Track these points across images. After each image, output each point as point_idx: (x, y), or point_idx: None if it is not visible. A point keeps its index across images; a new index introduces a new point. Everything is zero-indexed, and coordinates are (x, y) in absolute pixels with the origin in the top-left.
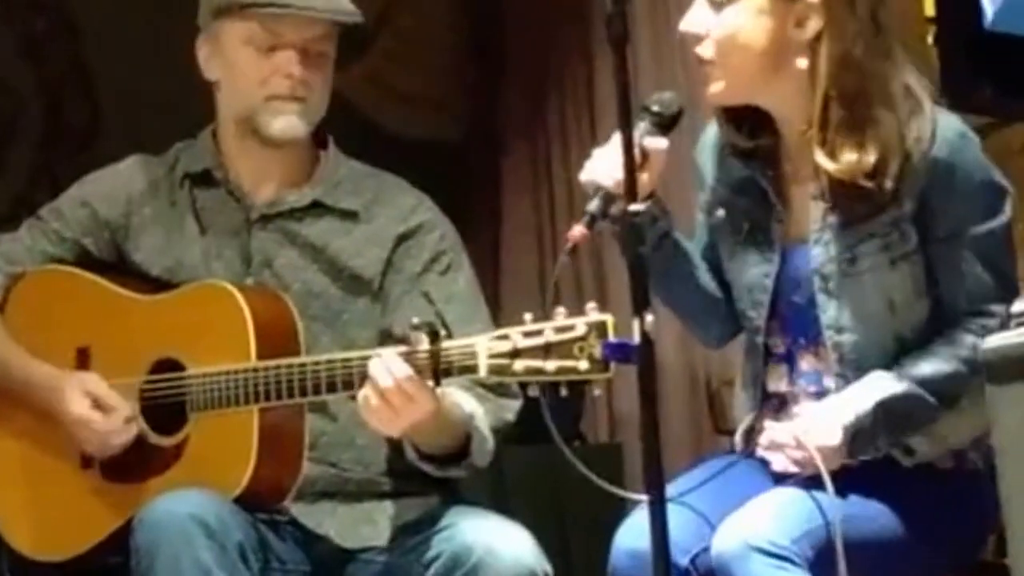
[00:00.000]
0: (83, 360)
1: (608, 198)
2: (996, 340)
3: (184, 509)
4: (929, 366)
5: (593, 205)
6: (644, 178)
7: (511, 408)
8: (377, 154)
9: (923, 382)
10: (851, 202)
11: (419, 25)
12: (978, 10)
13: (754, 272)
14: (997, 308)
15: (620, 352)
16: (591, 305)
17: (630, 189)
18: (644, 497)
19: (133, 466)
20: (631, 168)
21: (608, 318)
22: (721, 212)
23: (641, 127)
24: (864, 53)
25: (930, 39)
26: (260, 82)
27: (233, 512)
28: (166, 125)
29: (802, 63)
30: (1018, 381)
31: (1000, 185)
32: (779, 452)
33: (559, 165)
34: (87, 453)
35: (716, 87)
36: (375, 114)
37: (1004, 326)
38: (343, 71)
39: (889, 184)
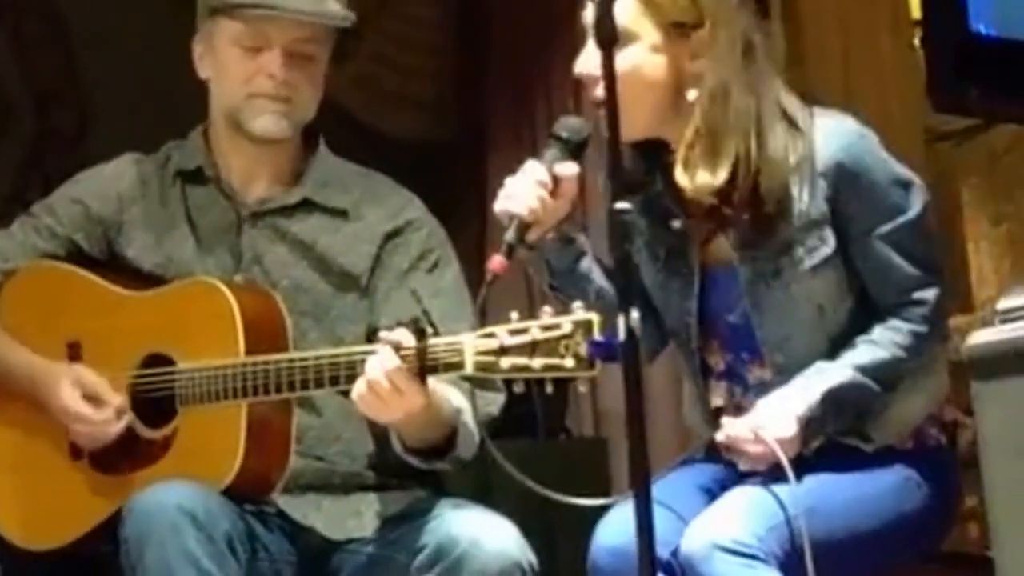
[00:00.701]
0: (74, 354)
1: (523, 226)
2: (980, 337)
3: (173, 500)
4: (868, 354)
5: (509, 234)
6: (558, 203)
7: (496, 402)
8: (365, 153)
9: (863, 369)
10: (757, 218)
11: (406, 27)
12: (964, 12)
13: (677, 297)
14: (924, 295)
15: (605, 350)
16: (577, 304)
17: (615, 191)
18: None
19: (122, 457)
20: (616, 169)
21: (594, 317)
22: (638, 241)
23: (550, 153)
24: (735, 86)
25: (916, 41)
26: (245, 80)
27: (221, 503)
28: (155, 126)
29: (693, 94)
30: (1002, 376)
31: (906, 178)
32: (739, 449)
33: None
34: (76, 443)
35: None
36: (363, 114)
37: (937, 311)
38: (332, 72)
39: (736, 202)
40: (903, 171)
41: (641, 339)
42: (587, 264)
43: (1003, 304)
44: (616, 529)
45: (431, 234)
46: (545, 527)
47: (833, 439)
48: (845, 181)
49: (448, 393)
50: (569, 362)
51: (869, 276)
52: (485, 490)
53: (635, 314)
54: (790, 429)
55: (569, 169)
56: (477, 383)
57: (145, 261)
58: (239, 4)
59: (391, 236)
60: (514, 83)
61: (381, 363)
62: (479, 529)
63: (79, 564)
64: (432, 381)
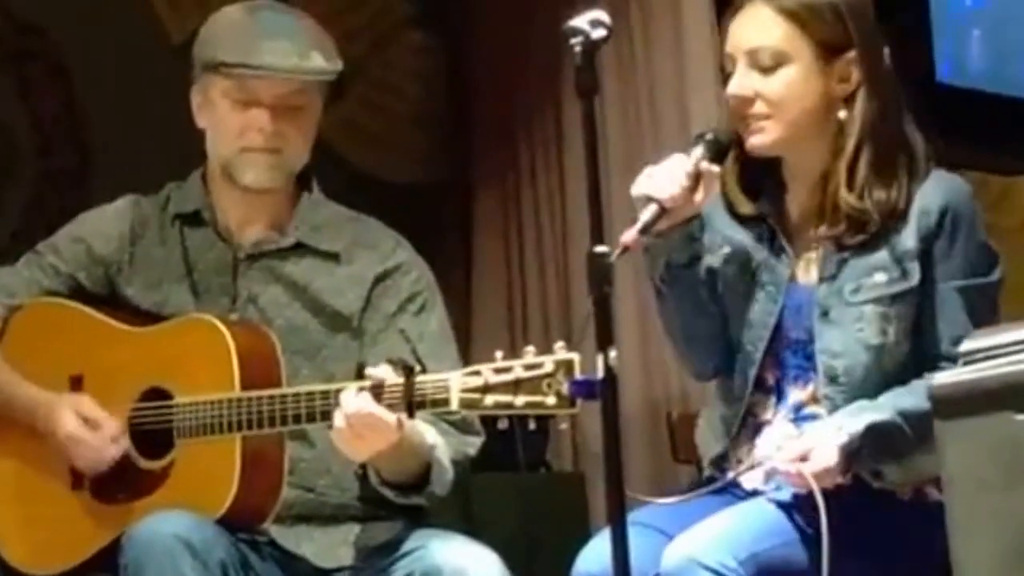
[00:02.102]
0: (76, 388)
1: (660, 210)
2: (943, 377)
3: (170, 529)
4: (910, 401)
5: (646, 214)
6: (694, 199)
7: (473, 444)
8: (353, 195)
9: (904, 414)
10: (859, 237)
11: (394, 74)
12: (930, 63)
13: (758, 309)
14: None
15: (585, 389)
16: (559, 344)
17: (597, 232)
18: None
19: (121, 488)
20: (596, 211)
21: (575, 357)
22: (727, 250)
23: (696, 151)
24: (891, 105)
25: None
26: (237, 134)
27: (216, 532)
28: (156, 167)
29: (843, 114)
30: (962, 417)
31: (995, 250)
32: (778, 473)
33: (529, 209)
34: (78, 472)
35: (766, 139)
36: (352, 157)
37: None
38: (323, 115)
39: (897, 220)
40: (992, 243)
41: (709, 354)
42: (701, 267)
43: (966, 346)
44: (596, 555)
45: (419, 278)
46: (527, 558)
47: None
48: (946, 224)
49: (422, 429)
50: (551, 400)
51: (930, 321)
52: (469, 521)
53: (613, 353)
54: (833, 458)
55: (712, 168)
56: (457, 426)
57: (144, 299)
58: (224, 63)
59: (380, 279)
60: (499, 128)
61: (354, 403)
62: (463, 559)
63: None
64: (405, 421)
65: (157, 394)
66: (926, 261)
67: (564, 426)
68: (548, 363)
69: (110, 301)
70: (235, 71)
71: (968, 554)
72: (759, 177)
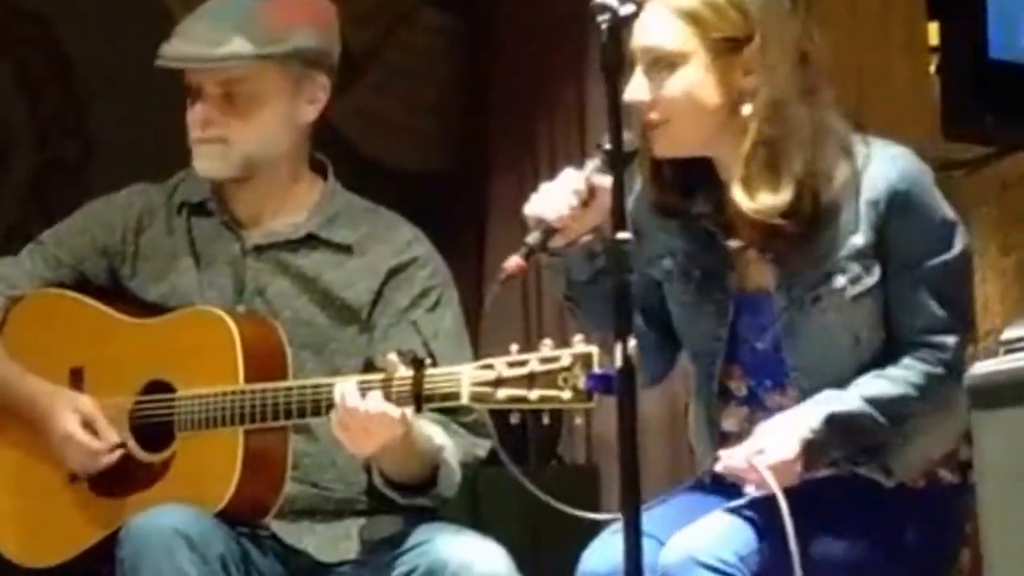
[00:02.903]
0: (77, 380)
1: (548, 231)
2: (982, 367)
3: (168, 522)
4: (879, 387)
5: (532, 237)
6: (589, 214)
7: (483, 446)
8: (365, 183)
9: (872, 401)
10: (804, 242)
11: (409, 59)
12: (983, 39)
13: (708, 322)
14: (948, 340)
15: (603, 383)
16: (578, 337)
17: (619, 220)
18: (618, 516)
19: (120, 480)
20: (620, 198)
21: (594, 350)
22: (668, 262)
23: (592, 164)
24: (791, 98)
25: (932, 68)
26: (189, 127)
27: (215, 526)
28: (157, 157)
29: (747, 109)
30: (1002, 407)
31: (952, 220)
32: (739, 477)
33: None
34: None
35: (667, 145)
36: (364, 144)
37: (957, 357)
38: (333, 102)
39: (832, 214)
40: (950, 212)
41: (649, 362)
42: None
43: (1008, 334)
44: (601, 556)
45: (435, 272)
46: (535, 552)
47: (852, 471)
48: (897, 209)
49: (430, 430)
50: (567, 394)
51: (896, 309)
52: (476, 515)
53: (632, 343)
54: (791, 451)
55: (605, 181)
56: (469, 427)
57: (149, 291)
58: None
59: (394, 272)
60: (515, 114)
61: (346, 395)
62: (469, 552)
63: None
64: (411, 416)
65: (159, 387)
66: (885, 251)
67: (579, 421)
68: (565, 356)
69: (114, 292)
70: (156, 62)
71: (1001, 547)
72: (694, 173)
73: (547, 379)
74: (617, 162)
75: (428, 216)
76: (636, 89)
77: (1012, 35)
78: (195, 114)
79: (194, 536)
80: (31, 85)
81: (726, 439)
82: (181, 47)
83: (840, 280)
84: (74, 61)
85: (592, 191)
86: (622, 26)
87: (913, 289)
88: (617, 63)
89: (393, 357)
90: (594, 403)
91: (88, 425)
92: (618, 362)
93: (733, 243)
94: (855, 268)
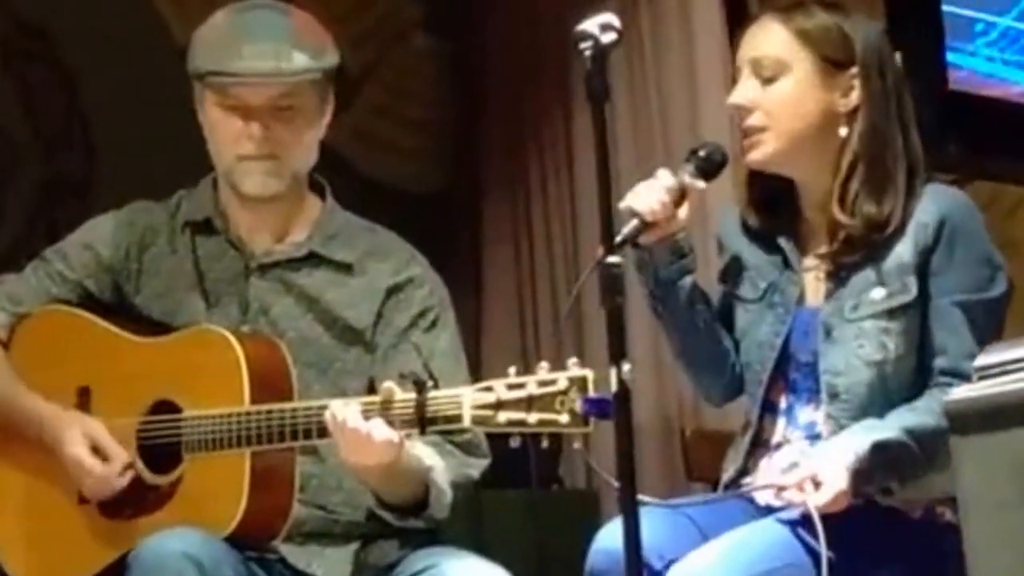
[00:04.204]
0: (84, 399)
1: (640, 225)
2: (960, 392)
3: (178, 547)
4: (915, 419)
5: (626, 229)
6: (679, 214)
7: (477, 466)
8: (362, 202)
9: (911, 432)
10: (854, 252)
11: (404, 80)
12: (943, 70)
13: (765, 330)
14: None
15: (598, 407)
16: (572, 360)
17: (610, 244)
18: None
19: (129, 503)
20: (608, 221)
21: (589, 374)
22: (740, 274)
23: (687, 168)
24: (890, 121)
25: None
26: (231, 143)
27: (224, 550)
28: (162, 173)
29: (843, 131)
30: (980, 432)
31: (998, 262)
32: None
33: (539, 217)
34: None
35: (763, 152)
36: (361, 164)
37: None
38: (331, 122)
39: (894, 235)
40: (996, 254)
41: (729, 379)
42: (693, 287)
43: (980, 361)
44: (613, 534)
45: (432, 292)
46: (539, 574)
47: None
48: (945, 237)
49: (420, 451)
50: (564, 418)
51: (934, 334)
52: (480, 539)
53: (627, 366)
54: (844, 481)
55: (698, 184)
56: (462, 447)
57: (153, 309)
58: (203, 73)
59: (393, 291)
60: (507, 133)
61: (338, 414)
62: None
63: None
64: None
65: (166, 407)
66: (924, 274)
67: (577, 445)
68: (562, 380)
69: (119, 309)
70: (215, 80)
71: (984, 572)
72: (778, 195)
73: (545, 402)
74: (607, 184)
75: (424, 235)
76: (740, 93)
77: (973, 67)
78: (251, 130)
79: (204, 560)
80: (34, 100)
81: (764, 450)
82: (253, 63)
83: (880, 291)
84: (77, 76)
85: (684, 192)
86: (605, 53)
87: (952, 317)
88: (602, 90)
89: (391, 384)
90: (591, 427)
91: (97, 449)
92: (613, 386)
93: (806, 259)
94: (896, 283)
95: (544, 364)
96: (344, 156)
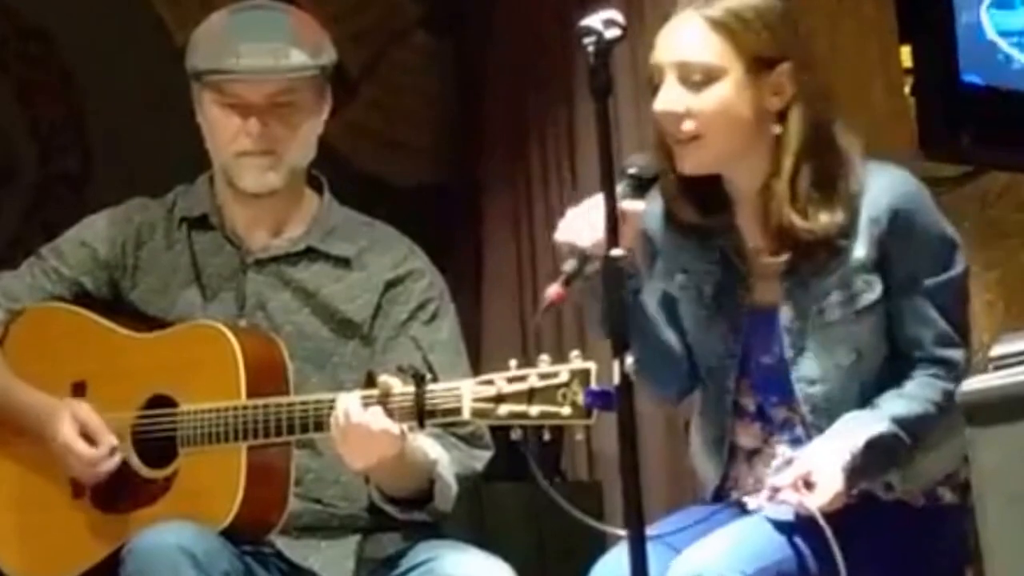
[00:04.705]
0: (79, 395)
1: (584, 258)
2: (976, 383)
3: (172, 540)
4: (903, 407)
5: (569, 265)
6: (620, 238)
7: (480, 458)
8: (361, 199)
9: (899, 421)
10: (813, 258)
11: (403, 76)
12: (954, 62)
13: (721, 339)
14: (956, 355)
15: (601, 400)
16: (575, 353)
17: (612, 236)
18: (623, 532)
19: (124, 497)
20: (612, 216)
21: (591, 366)
22: (682, 278)
23: (619, 189)
24: (826, 115)
25: (907, 89)
26: (229, 140)
27: (220, 544)
28: (158, 171)
29: (777, 129)
30: (997, 423)
31: (953, 239)
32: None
33: (540, 211)
34: (78, 481)
35: (699, 160)
36: (359, 160)
37: (964, 372)
38: (328, 119)
39: (852, 239)
40: (950, 231)
41: (677, 377)
42: (639, 305)
43: (996, 351)
44: (609, 571)
45: (431, 284)
46: (541, 569)
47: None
48: (898, 227)
49: (424, 443)
50: (566, 410)
51: (903, 325)
52: (481, 532)
53: (630, 360)
54: (840, 481)
55: (635, 206)
56: (466, 439)
57: (150, 304)
58: (201, 72)
59: (392, 285)
60: (509, 129)
61: (347, 411)
62: (476, 570)
63: None
64: (407, 430)
65: (161, 402)
66: (886, 267)
67: (580, 437)
68: (564, 372)
69: (115, 306)
70: (213, 78)
71: (1002, 565)
72: (705, 191)
73: (546, 395)
74: (611, 180)
75: (424, 230)
76: (670, 100)
77: (984, 58)
78: (249, 127)
79: (199, 554)
80: (32, 100)
81: (742, 456)
82: (251, 60)
83: (844, 295)
84: (75, 76)
85: (622, 216)
86: (608, 49)
87: (919, 306)
88: (605, 85)
89: (389, 378)
90: (593, 419)
91: (86, 432)
92: (616, 379)
93: (757, 259)
94: (858, 283)
95: (545, 357)
96: (344, 152)
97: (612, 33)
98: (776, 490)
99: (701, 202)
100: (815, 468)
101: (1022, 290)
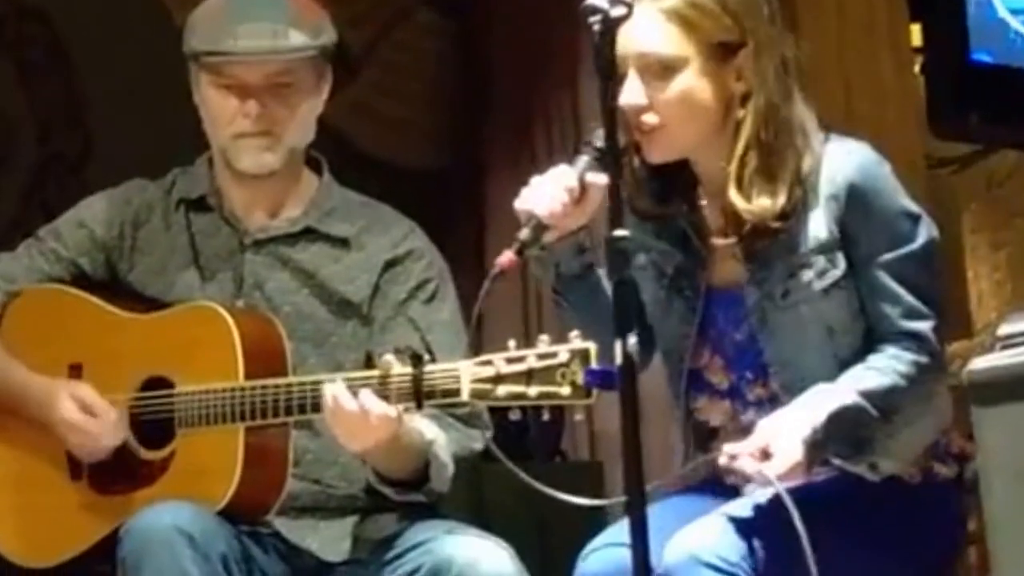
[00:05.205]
0: (76, 376)
1: (540, 227)
2: (981, 363)
3: (169, 520)
4: (871, 380)
5: (524, 233)
6: (580, 211)
7: (478, 438)
8: (363, 180)
9: (865, 394)
10: (762, 239)
11: (406, 57)
12: (964, 41)
13: (677, 318)
14: (921, 326)
15: (602, 379)
16: (574, 333)
17: (615, 217)
18: (622, 499)
19: (121, 478)
20: (614, 196)
21: (591, 346)
22: (643, 258)
23: (583, 161)
24: (779, 98)
25: (916, 68)
26: (227, 122)
27: (217, 524)
28: (157, 152)
29: (740, 112)
30: (1002, 402)
31: (914, 211)
32: (742, 475)
33: None
34: (76, 462)
35: (664, 151)
36: (362, 141)
37: (935, 344)
38: (331, 100)
39: (794, 221)
40: (912, 204)
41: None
42: (596, 277)
43: (1003, 330)
44: (600, 556)
45: (430, 264)
46: (540, 549)
47: (841, 468)
48: (856, 203)
49: (420, 424)
50: (565, 390)
51: (869, 301)
52: (480, 512)
53: (632, 339)
54: (798, 452)
55: (598, 179)
56: (463, 419)
57: (147, 286)
58: (198, 53)
59: (391, 265)
60: (513, 110)
61: (336, 394)
62: (475, 551)
63: None
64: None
65: (158, 383)
66: (848, 244)
67: (580, 417)
68: (563, 352)
69: (112, 287)
70: (211, 59)
71: (1007, 543)
72: (670, 174)
73: (546, 375)
74: (613, 160)
75: (426, 212)
76: (632, 93)
77: (994, 37)
78: (248, 109)
79: (196, 535)
80: (32, 81)
81: (712, 435)
82: (250, 42)
83: (808, 274)
84: (74, 57)
85: (584, 188)
86: (614, 27)
87: (883, 281)
88: (611, 64)
89: (389, 357)
90: (593, 399)
91: (86, 409)
92: (618, 359)
93: (712, 240)
94: (821, 261)
95: (544, 337)
96: (345, 133)
97: (618, 12)
98: (733, 457)
99: (663, 187)
100: (773, 437)
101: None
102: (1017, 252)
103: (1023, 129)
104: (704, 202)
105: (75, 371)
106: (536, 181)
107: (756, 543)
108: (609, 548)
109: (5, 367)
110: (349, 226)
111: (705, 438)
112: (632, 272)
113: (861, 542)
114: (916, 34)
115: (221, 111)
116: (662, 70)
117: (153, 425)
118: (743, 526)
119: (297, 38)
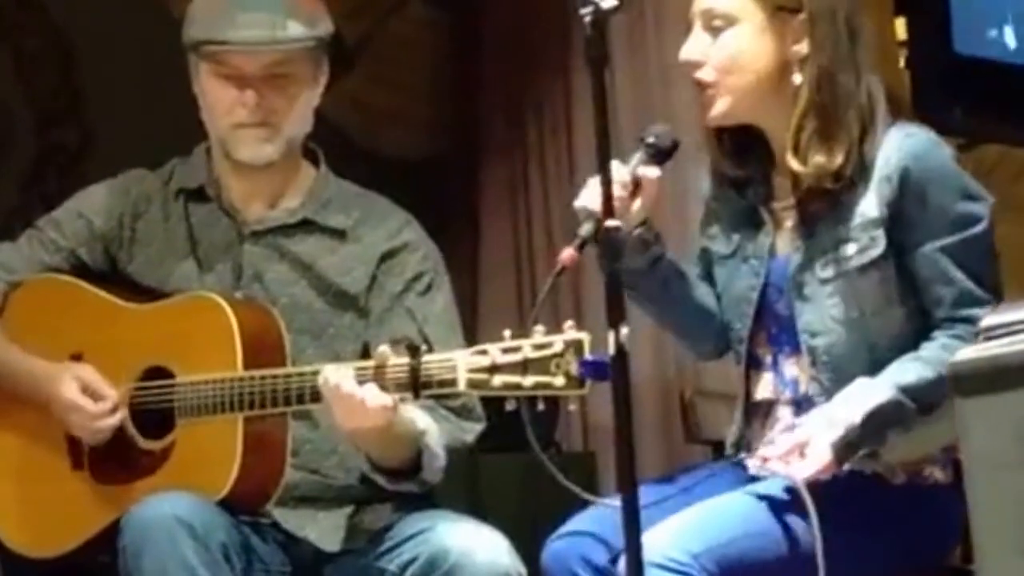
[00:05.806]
0: None
1: (598, 225)
2: (965, 353)
3: (170, 510)
4: (914, 373)
5: (584, 229)
6: (636, 205)
7: (471, 430)
8: (358, 171)
9: (906, 390)
10: (823, 209)
11: (400, 49)
12: (948, 34)
13: (741, 284)
14: (978, 312)
15: (596, 370)
16: (569, 323)
17: (607, 207)
18: (617, 503)
19: (122, 468)
20: (607, 188)
21: (585, 336)
22: (715, 228)
23: (636, 157)
24: (839, 67)
25: (902, 62)
26: (226, 112)
27: (217, 514)
28: (156, 142)
29: (798, 78)
30: (986, 394)
31: (976, 192)
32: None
33: (537, 184)
34: (77, 452)
35: (718, 109)
36: (357, 132)
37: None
38: (326, 91)
39: (852, 185)
40: (974, 185)
41: (714, 333)
42: (666, 271)
43: (987, 321)
44: (559, 546)
45: (426, 256)
46: (535, 540)
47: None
48: (909, 189)
49: (413, 414)
50: (560, 380)
51: (925, 287)
52: (476, 503)
53: (624, 331)
54: (827, 456)
55: (650, 172)
56: (456, 411)
57: (146, 276)
58: (197, 42)
59: (387, 256)
60: (506, 100)
61: (330, 379)
62: (471, 541)
63: (78, 573)
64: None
65: (158, 373)
66: (896, 228)
67: (573, 407)
68: (558, 343)
69: (112, 277)
70: (209, 48)
71: (990, 537)
72: (748, 142)
73: (540, 365)
74: (607, 151)
75: (421, 203)
76: (690, 48)
77: (978, 30)
78: (246, 99)
79: (196, 524)
80: (30, 72)
81: (756, 408)
82: (248, 32)
83: (850, 248)
84: (73, 48)
85: (637, 183)
86: (605, 19)
87: (943, 265)
88: (601, 56)
89: (385, 348)
90: (587, 389)
91: (88, 390)
92: (611, 349)
93: (773, 204)
94: (864, 238)
95: (539, 327)
96: (341, 124)
97: (609, 3)
98: (766, 460)
99: (742, 155)
100: (808, 438)
101: (1017, 262)
102: (1003, 243)
103: (1006, 123)
104: (777, 168)
105: (76, 361)
106: (592, 180)
107: (714, 540)
108: (572, 537)
109: (7, 356)
110: (345, 217)
111: (762, 414)
112: (707, 243)
113: (837, 535)
114: (901, 28)
115: (219, 101)
116: (720, 25)
117: (153, 415)
118: (702, 523)
119: (295, 29)
